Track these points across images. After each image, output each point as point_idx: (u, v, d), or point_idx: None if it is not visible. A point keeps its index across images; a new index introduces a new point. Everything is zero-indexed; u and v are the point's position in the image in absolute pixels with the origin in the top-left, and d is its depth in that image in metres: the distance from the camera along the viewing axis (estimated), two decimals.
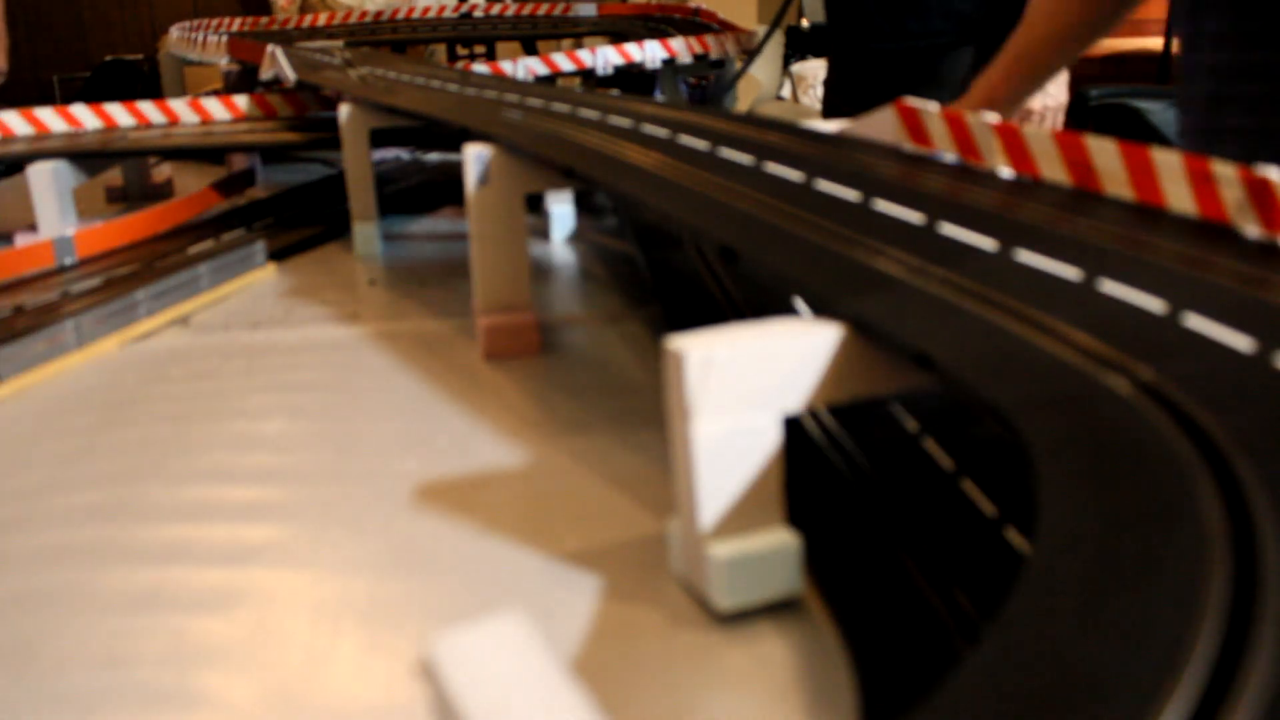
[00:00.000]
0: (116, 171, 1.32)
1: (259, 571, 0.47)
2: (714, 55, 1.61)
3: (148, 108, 1.31)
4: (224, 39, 1.72)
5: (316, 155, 1.49)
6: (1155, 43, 2.78)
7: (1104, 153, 0.53)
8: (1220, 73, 0.79)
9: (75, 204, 1.10)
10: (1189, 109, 0.85)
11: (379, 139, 1.04)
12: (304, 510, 0.52)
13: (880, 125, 0.70)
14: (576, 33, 2.24)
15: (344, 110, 0.99)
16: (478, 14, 2.21)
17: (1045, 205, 0.53)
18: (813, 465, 0.50)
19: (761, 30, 1.73)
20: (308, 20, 2.15)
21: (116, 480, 0.56)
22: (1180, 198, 0.49)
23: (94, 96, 1.65)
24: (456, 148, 0.74)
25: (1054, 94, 1.19)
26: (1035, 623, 0.23)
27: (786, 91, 3.54)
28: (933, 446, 0.49)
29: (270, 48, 1.39)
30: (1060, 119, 1.21)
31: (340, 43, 1.84)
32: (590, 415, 0.63)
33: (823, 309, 0.41)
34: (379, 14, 2.22)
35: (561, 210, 1.07)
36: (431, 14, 2.21)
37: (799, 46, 3.61)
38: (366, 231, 1.02)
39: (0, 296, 0.83)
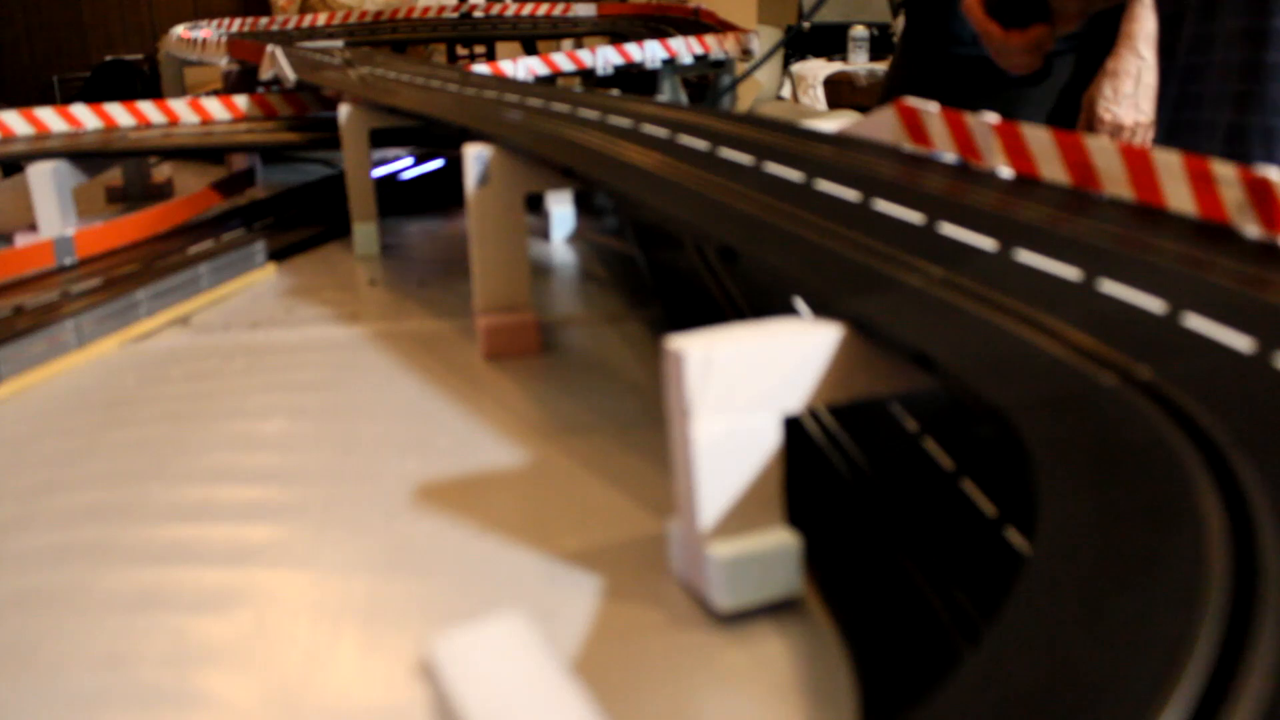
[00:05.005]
0: (116, 171, 1.31)
1: (259, 571, 0.47)
2: (714, 55, 1.61)
3: (148, 108, 1.31)
4: (224, 39, 1.72)
5: (316, 155, 1.49)
6: None
7: (1104, 153, 0.53)
8: (1185, 74, 0.84)
9: (75, 204, 1.10)
10: (1161, 108, 0.90)
11: (379, 139, 1.04)
12: (304, 510, 0.52)
13: (880, 125, 0.70)
14: (576, 33, 2.24)
15: (344, 110, 0.98)
16: (478, 14, 2.21)
17: (1045, 205, 0.53)
18: (813, 465, 0.50)
19: (761, 30, 1.73)
20: (307, 20, 2.15)
21: (116, 480, 0.56)
22: (1180, 198, 0.49)
23: (94, 96, 1.65)
24: (457, 148, 0.74)
25: (1145, 110, 1.12)
26: (1035, 623, 0.23)
27: (786, 91, 3.54)
28: (933, 446, 0.49)
29: (270, 48, 1.39)
30: (1150, 135, 1.13)
31: (340, 42, 1.84)
32: (590, 415, 0.63)
33: (823, 309, 0.41)
34: (379, 14, 2.22)
35: (561, 210, 1.07)
36: (431, 14, 2.21)
37: (799, 46, 3.61)
38: (366, 231, 1.02)
39: (0, 296, 0.83)
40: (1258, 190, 0.45)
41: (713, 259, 0.81)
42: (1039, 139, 0.57)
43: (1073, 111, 1.15)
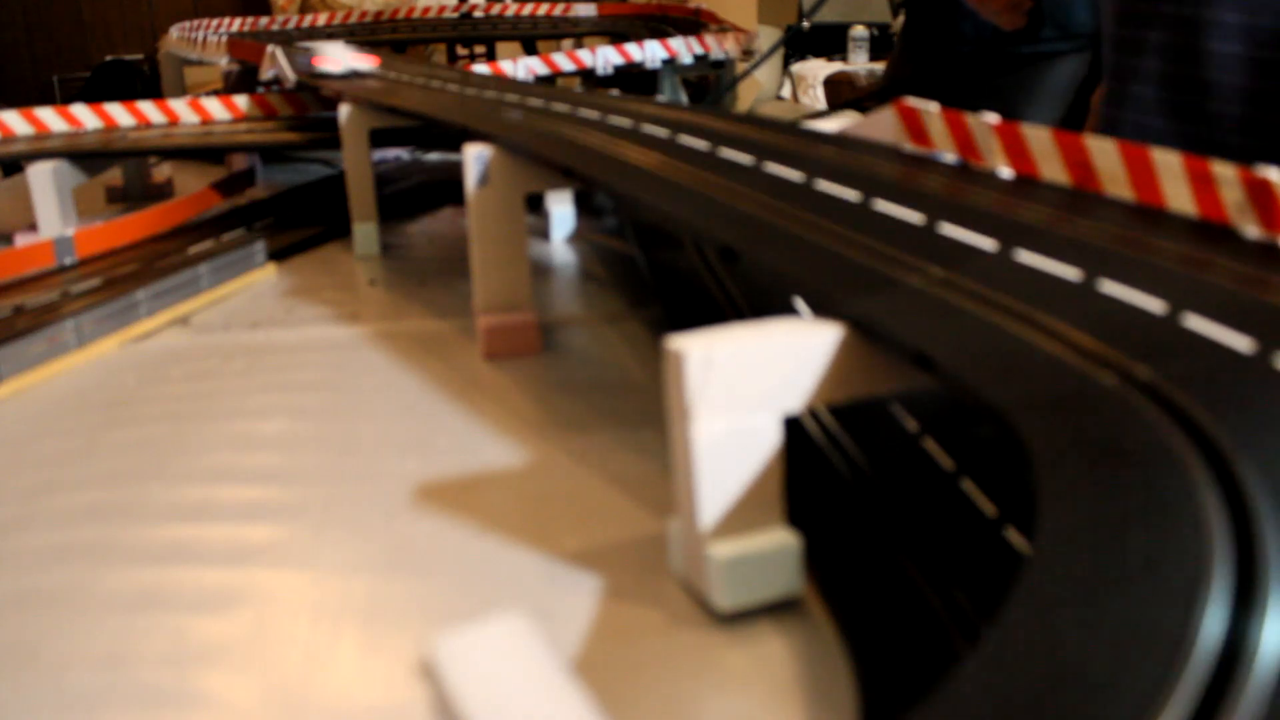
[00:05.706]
0: (116, 171, 1.31)
1: (259, 571, 0.47)
2: (714, 55, 1.61)
3: (148, 108, 1.31)
4: (224, 39, 1.72)
5: (316, 155, 1.49)
6: None
7: (1104, 153, 0.53)
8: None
9: (75, 204, 1.10)
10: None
11: (379, 139, 1.04)
12: (304, 510, 0.52)
13: (880, 125, 0.70)
14: (576, 33, 2.24)
15: (344, 110, 0.98)
16: (478, 14, 2.21)
17: (1045, 205, 0.53)
18: (813, 465, 0.50)
19: (762, 30, 1.72)
20: (308, 20, 2.15)
21: (116, 480, 0.56)
22: (1180, 198, 0.49)
23: (94, 96, 1.65)
24: (456, 148, 0.74)
25: None
26: (1035, 623, 0.23)
27: (786, 91, 3.54)
28: (933, 446, 0.49)
29: (270, 48, 1.39)
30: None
31: (340, 42, 1.84)
32: (590, 415, 0.63)
33: (823, 309, 0.41)
34: (379, 14, 2.22)
35: (561, 210, 1.07)
36: (432, 14, 2.21)
37: (799, 46, 3.61)
38: (366, 231, 1.02)
39: (0, 296, 0.83)
40: (1257, 191, 0.45)
41: (713, 259, 0.81)
42: (1039, 139, 0.57)
43: (1082, 112, 1.15)
